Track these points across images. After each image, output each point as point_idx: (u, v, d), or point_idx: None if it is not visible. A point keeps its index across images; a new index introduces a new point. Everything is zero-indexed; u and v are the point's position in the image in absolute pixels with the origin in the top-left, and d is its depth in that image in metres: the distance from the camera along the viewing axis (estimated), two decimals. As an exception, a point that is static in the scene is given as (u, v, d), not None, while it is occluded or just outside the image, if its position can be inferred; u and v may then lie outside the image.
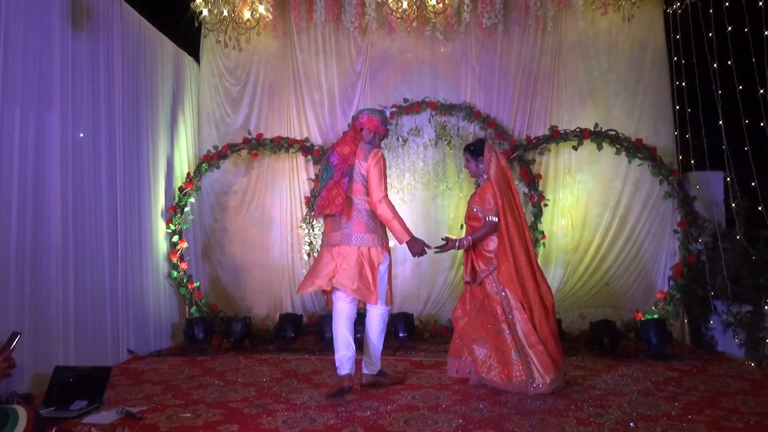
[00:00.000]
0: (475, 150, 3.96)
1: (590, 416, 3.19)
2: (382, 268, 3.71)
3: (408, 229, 3.70)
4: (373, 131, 3.83)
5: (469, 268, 3.94)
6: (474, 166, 3.98)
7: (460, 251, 5.18)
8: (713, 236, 5.26)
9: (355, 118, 3.94)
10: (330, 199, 3.64)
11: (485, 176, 3.93)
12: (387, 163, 3.80)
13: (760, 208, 4.40)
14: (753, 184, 4.55)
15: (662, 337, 4.75)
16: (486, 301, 3.84)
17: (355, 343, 3.73)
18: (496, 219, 3.79)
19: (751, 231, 4.92)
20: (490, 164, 3.87)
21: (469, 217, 4.00)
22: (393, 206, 3.68)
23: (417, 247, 3.71)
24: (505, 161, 4.01)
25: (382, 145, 5.85)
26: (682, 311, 5.35)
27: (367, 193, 3.68)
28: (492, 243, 3.83)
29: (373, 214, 3.69)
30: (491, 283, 3.81)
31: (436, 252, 3.93)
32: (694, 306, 5.25)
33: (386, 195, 3.67)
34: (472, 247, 3.91)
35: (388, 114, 3.99)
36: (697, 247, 5.32)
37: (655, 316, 5.23)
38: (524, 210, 5.79)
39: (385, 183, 3.70)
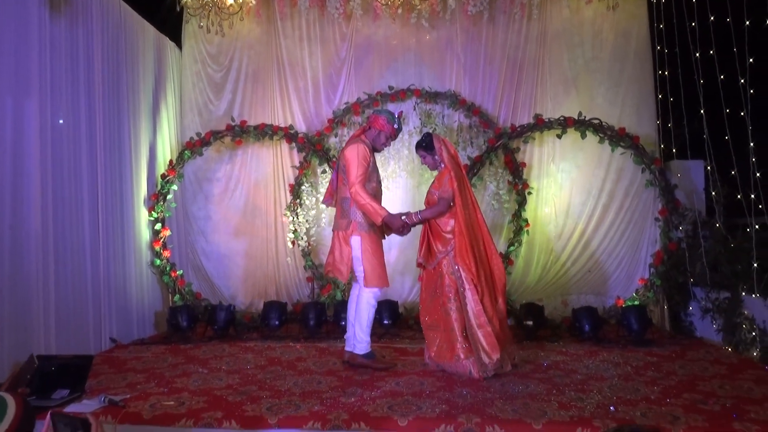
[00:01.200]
0: (427, 145, 4.08)
1: (572, 400, 3.24)
2: (355, 249, 3.95)
3: (381, 209, 3.90)
4: (378, 129, 4.10)
5: (424, 251, 4.03)
6: (431, 160, 4.11)
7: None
8: (693, 224, 5.34)
9: (368, 118, 4.26)
10: (326, 191, 4.26)
11: (442, 165, 4.05)
12: (365, 154, 3.97)
13: (739, 197, 4.47)
14: (733, 172, 4.62)
15: (642, 323, 4.83)
16: (440, 282, 3.91)
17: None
18: (450, 200, 3.91)
19: (730, 219, 5.00)
20: (442, 152, 4.01)
21: (428, 202, 4.11)
22: (366, 192, 3.90)
23: (395, 222, 3.91)
24: (454, 148, 4.14)
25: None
26: (662, 298, 5.44)
27: (346, 183, 3.98)
28: (449, 225, 3.93)
29: (348, 201, 4.00)
30: (448, 264, 3.89)
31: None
32: (674, 292, 5.34)
33: (360, 183, 3.90)
34: (431, 229, 4.01)
35: (396, 113, 4.20)
36: (678, 235, 5.40)
37: (636, 302, 5.32)
38: (509, 198, 5.88)
39: (361, 172, 3.92)
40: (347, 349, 4.14)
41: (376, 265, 3.96)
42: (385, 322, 5.26)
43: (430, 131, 4.32)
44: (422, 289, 4.10)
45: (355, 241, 3.97)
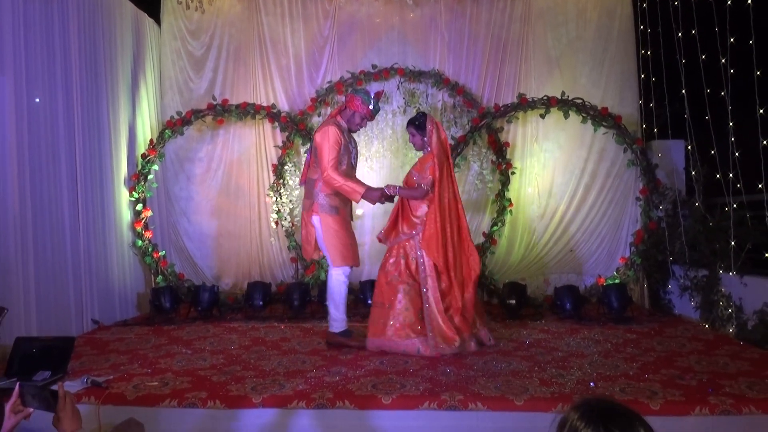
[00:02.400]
0: (419, 124, 4.04)
1: (553, 377, 3.29)
2: (317, 230, 4.03)
3: (357, 185, 3.96)
4: (353, 110, 4.10)
5: (388, 227, 4.04)
6: (419, 140, 4.07)
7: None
8: (673, 203, 5.41)
9: (345, 97, 4.30)
10: (302, 173, 4.33)
11: (428, 148, 4.02)
12: (336, 136, 3.98)
13: (718, 176, 4.53)
14: (712, 152, 4.67)
15: (623, 301, 4.91)
16: (400, 263, 3.92)
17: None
18: (428, 189, 3.91)
19: (709, 198, 5.07)
20: (432, 136, 3.98)
21: (407, 182, 4.11)
22: (339, 174, 3.95)
23: (374, 195, 3.99)
24: (445, 134, 4.12)
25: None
26: (642, 276, 5.53)
27: (318, 165, 4.03)
28: (420, 209, 3.94)
29: (312, 182, 4.06)
30: (412, 248, 3.92)
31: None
32: (654, 271, 5.43)
33: (333, 167, 3.94)
34: (402, 209, 4.02)
35: (372, 94, 4.17)
36: (658, 214, 5.48)
37: (617, 281, 5.40)
38: (492, 178, 5.90)
39: (333, 156, 3.94)
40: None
41: (338, 244, 4.01)
42: (369, 302, 5.27)
43: (425, 112, 4.27)
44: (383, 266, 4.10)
45: (316, 221, 4.05)
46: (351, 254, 4.07)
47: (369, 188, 3.99)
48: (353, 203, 4.23)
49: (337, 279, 4.06)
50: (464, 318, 3.88)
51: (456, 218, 3.96)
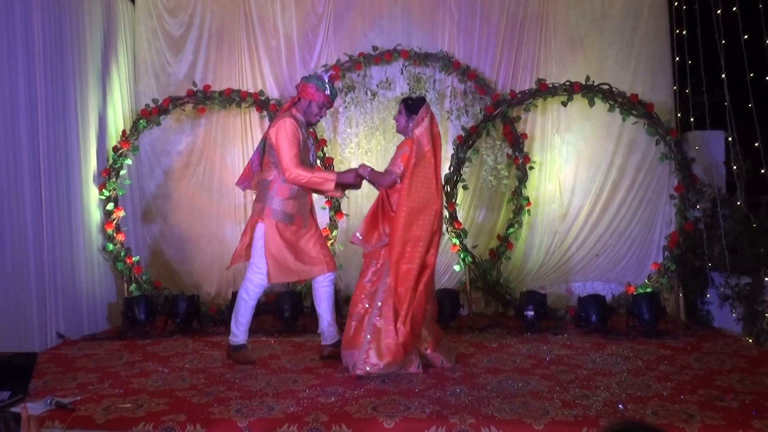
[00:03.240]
0: (411, 105, 4.02)
1: (576, 398, 3.28)
2: (256, 238, 4.07)
3: (328, 173, 4.08)
4: (308, 99, 4.13)
5: (366, 227, 3.96)
6: (404, 120, 4.03)
7: None
8: (712, 202, 5.39)
9: (296, 87, 4.27)
10: (243, 173, 4.36)
11: (409, 134, 3.99)
12: (294, 130, 4.02)
13: (762, 171, 4.52)
14: (756, 144, 4.66)
15: (655, 312, 4.89)
16: (381, 268, 3.90)
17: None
18: (396, 176, 3.87)
19: (752, 196, 5.06)
20: (419, 125, 3.94)
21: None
22: (303, 169, 3.98)
23: (348, 177, 4.07)
24: (438, 129, 4.07)
25: (351, 100, 5.89)
26: (677, 284, 5.51)
27: (275, 165, 4.06)
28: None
29: (266, 183, 4.09)
30: (384, 248, 3.90)
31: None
32: (690, 278, 5.41)
33: (295, 164, 3.95)
34: (383, 207, 3.98)
35: (325, 78, 4.18)
36: (695, 214, 5.46)
37: (648, 289, 5.38)
38: (508, 173, 5.89)
39: (294, 153, 3.97)
40: (324, 343, 4.25)
41: (279, 259, 4.02)
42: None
43: (424, 98, 4.25)
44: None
45: (260, 228, 4.05)
46: (288, 272, 4.08)
47: (339, 173, 4.08)
48: (310, 210, 4.24)
49: (247, 292, 4.11)
50: (412, 336, 3.77)
51: (426, 223, 3.84)
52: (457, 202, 5.73)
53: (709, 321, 5.25)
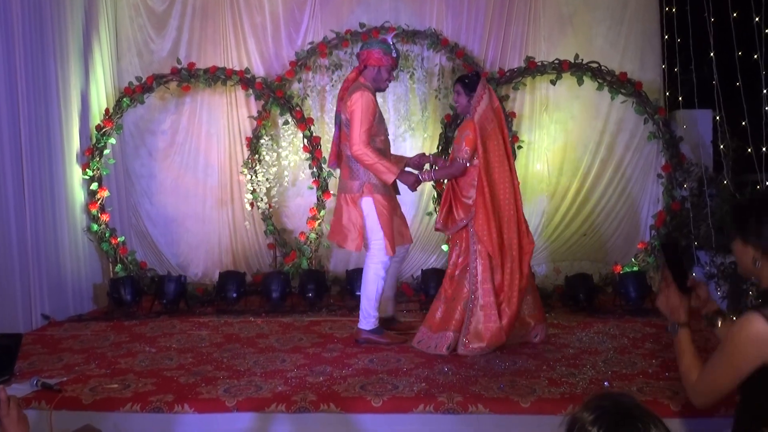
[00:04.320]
0: (469, 83, 3.98)
1: (563, 376, 3.33)
2: (368, 214, 3.97)
3: (392, 166, 3.92)
4: (376, 66, 4.01)
5: (444, 214, 4.04)
6: (465, 100, 4.00)
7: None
8: (699, 181, 5.43)
9: (358, 56, 4.18)
10: (330, 153, 4.26)
11: (469, 115, 3.98)
12: (371, 104, 3.94)
13: (749, 150, 4.55)
14: (744, 123, 4.68)
15: (641, 290, 4.95)
16: (461, 251, 3.96)
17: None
18: (464, 162, 3.88)
19: (739, 175, 5.10)
20: (480, 102, 3.92)
21: (452, 157, 4.10)
22: (371, 150, 3.89)
23: (409, 179, 4.04)
24: (498, 102, 4.07)
25: (338, 78, 5.84)
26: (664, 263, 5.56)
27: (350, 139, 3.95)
28: (472, 190, 3.92)
29: (353, 160, 3.99)
30: (468, 233, 3.92)
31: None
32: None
33: (364, 141, 3.87)
34: (453, 192, 4.01)
35: (389, 40, 4.11)
36: (682, 194, 5.50)
37: (635, 268, 5.43)
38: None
39: (365, 128, 3.88)
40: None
41: (389, 231, 3.99)
42: (357, 293, 5.27)
43: (478, 72, 4.27)
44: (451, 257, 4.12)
45: (368, 203, 3.98)
46: (401, 240, 4.10)
47: (402, 172, 4.00)
48: None
49: (376, 273, 4.01)
50: (513, 316, 3.83)
51: (511, 200, 3.92)
52: (444, 181, 5.73)
53: (695, 299, 5.30)
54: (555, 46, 5.98)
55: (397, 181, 4.04)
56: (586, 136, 5.98)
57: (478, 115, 3.90)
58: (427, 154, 4.51)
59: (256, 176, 5.95)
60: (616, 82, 5.71)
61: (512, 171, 4.00)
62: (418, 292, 5.33)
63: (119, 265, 5.71)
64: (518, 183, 4.06)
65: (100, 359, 3.82)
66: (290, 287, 5.35)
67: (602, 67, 5.69)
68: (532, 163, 6.04)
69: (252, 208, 6.01)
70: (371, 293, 4.04)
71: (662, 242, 1.85)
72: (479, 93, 3.92)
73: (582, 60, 5.70)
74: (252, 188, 5.95)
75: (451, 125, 5.70)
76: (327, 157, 4.41)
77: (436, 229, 4.23)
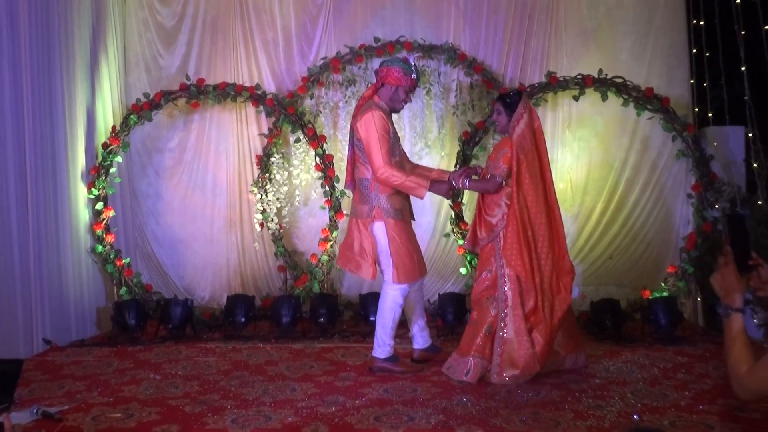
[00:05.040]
0: (510, 103, 4.01)
1: (589, 408, 3.28)
2: (380, 239, 3.96)
3: (421, 180, 3.90)
4: (394, 84, 4.01)
5: (470, 234, 4.11)
6: (505, 120, 4.03)
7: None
8: (732, 201, 5.38)
9: (376, 73, 4.16)
10: (346, 173, 4.25)
11: (509, 133, 4.00)
12: (384, 122, 3.93)
13: (785, 169, 4.51)
14: (778, 140, 4.65)
15: (672, 317, 4.88)
16: (486, 273, 3.97)
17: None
18: (501, 180, 3.91)
19: (774, 195, 5.04)
20: (519, 122, 3.94)
21: (484, 174, 4.11)
22: (397, 170, 3.89)
23: (441, 188, 4.00)
24: (539, 123, 4.09)
25: (352, 95, 5.89)
26: (695, 288, 5.50)
27: (366, 161, 3.96)
28: (497, 209, 3.93)
29: (367, 182, 4.00)
30: (493, 255, 3.93)
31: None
32: (709, 282, 5.38)
33: (388, 163, 3.86)
34: (479, 211, 4.04)
35: (411, 60, 4.12)
36: (714, 214, 5.44)
37: (665, 293, 5.37)
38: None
39: (385, 149, 3.87)
40: (417, 347, 4.27)
41: (405, 257, 3.97)
42: (371, 318, 5.25)
43: (520, 91, 4.30)
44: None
45: (379, 228, 3.97)
46: (416, 268, 4.05)
47: (434, 180, 3.97)
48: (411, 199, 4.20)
49: (394, 300, 4.00)
50: (549, 343, 3.82)
51: (545, 223, 3.91)
52: (463, 201, 5.72)
53: (729, 327, 5.22)
54: (577, 60, 5.99)
55: (413, 203, 4.05)
56: (611, 154, 5.96)
57: (516, 135, 3.92)
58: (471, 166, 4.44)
59: (267, 196, 5.97)
60: (642, 98, 5.69)
61: (549, 192, 4.02)
62: (435, 317, 5.29)
63: (124, 288, 5.73)
64: (557, 205, 4.06)
65: (103, 386, 3.81)
66: (301, 312, 5.33)
67: (627, 82, 5.69)
68: (555, 183, 5.99)
69: (262, 228, 6.02)
70: (387, 321, 4.01)
71: (730, 213, 1.76)
72: (519, 112, 3.96)
73: (606, 75, 5.69)
74: (262, 208, 5.97)
75: (469, 142, 5.71)
76: (342, 177, 4.39)
77: (464, 248, 4.17)
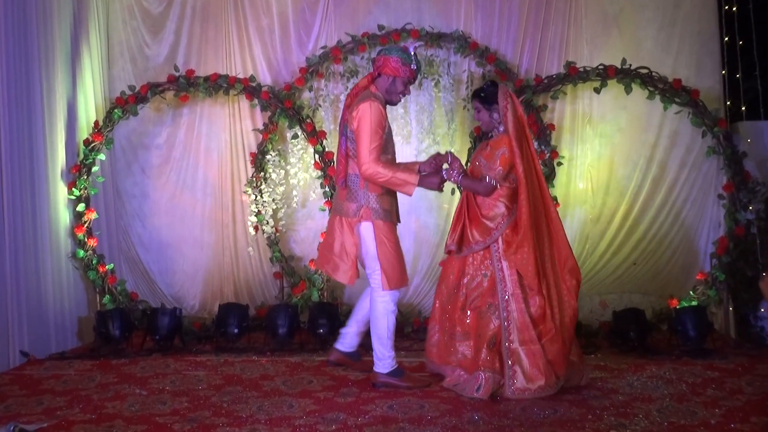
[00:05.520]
0: (486, 96, 4.02)
1: (611, 427, 3.28)
2: (366, 241, 3.96)
3: (409, 176, 3.90)
4: (391, 75, 4.02)
5: (457, 235, 4.05)
6: (487, 116, 4.05)
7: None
8: (766, 203, 5.38)
9: (373, 62, 4.18)
10: (336, 168, 4.24)
11: (501, 128, 4.00)
12: (381, 117, 3.95)
13: (825, 167, 4.51)
14: (817, 136, 4.65)
15: (701, 328, 4.88)
16: (476, 281, 3.95)
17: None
18: (495, 183, 3.90)
19: (813, 196, 5.05)
20: (507, 113, 3.94)
21: (473, 171, 4.11)
22: (383, 166, 3.89)
23: (432, 182, 4.00)
24: (522, 109, 4.08)
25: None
26: (727, 297, 5.49)
27: (354, 156, 3.97)
28: (495, 209, 3.93)
29: (356, 179, 4.00)
30: (489, 257, 3.91)
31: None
32: (742, 290, 5.40)
33: (375, 159, 3.87)
34: (468, 209, 4.00)
35: (411, 50, 4.12)
36: (747, 217, 5.44)
37: (694, 303, 5.37)
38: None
39: (375, 144, 3.88)
40: (339, 347, 4.39)
41: (394, 261, 3.98)
42: None
43: (495, 81, 4.27)
44: (440, 282, 4.12)
45: (366, 229, 3.97)
46: (405, 274, 4.08)
47: (422, 175, 3.98)
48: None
49: (385, 308, 4.01)
50: (562, 350, 3.83)
51: (545, 219, 3.94)
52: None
53: (763, 338, 5.22)
54: (599, 49, 5.99)
55: (399, 200, 4.08)
56: (635, 151, 5.95)
57: (512, 129, 3.91)
58: (442, 152, 4.33)
59: (261, 196, 5.98)
60: (669, 90, 5.69)
61: (542, 185, 4.01)
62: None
63: (107, 296, 5.75)
64: (551, 201, 4.07)
65: (85, 402, 3.83)
66: (299, 322, 5.35)
67: (653, 74, 5.68)
68: (574, 182, 6.02)
69: (256, 232, 6.04)
70: (382, 331, 4.01)
71: None
72: (503, 104, 3.95)
73: (630, 65, 5.69)
74: (256, 210, 5.98)
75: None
76: (335, 174, 4.37)
77: (448, 252, 4.14)
